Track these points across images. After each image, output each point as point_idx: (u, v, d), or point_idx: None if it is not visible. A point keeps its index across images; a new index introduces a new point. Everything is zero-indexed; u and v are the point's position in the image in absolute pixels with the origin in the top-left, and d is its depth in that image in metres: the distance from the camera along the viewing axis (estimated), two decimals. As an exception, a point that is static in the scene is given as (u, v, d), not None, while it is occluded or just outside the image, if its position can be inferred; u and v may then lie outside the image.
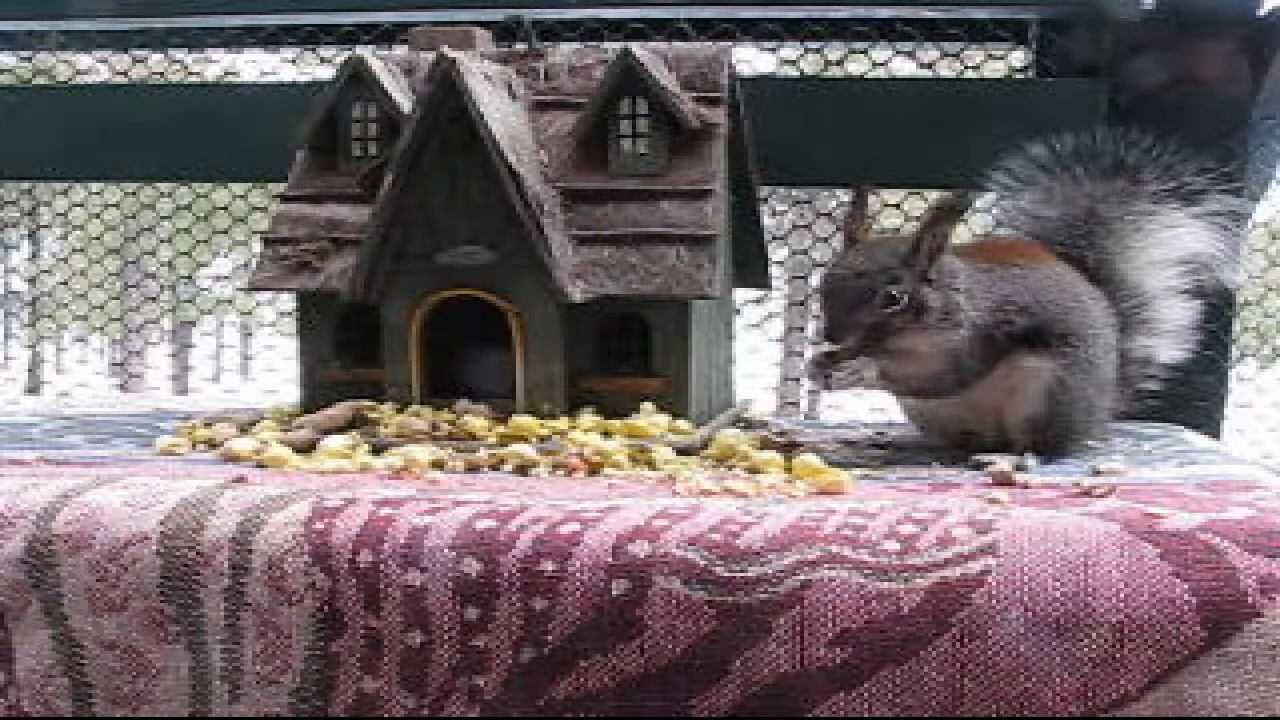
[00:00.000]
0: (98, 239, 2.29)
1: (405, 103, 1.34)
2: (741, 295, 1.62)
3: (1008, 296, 1.22)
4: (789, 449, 1.21)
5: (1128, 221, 1.37)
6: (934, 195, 1.95)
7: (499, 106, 1.27)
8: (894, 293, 1.16)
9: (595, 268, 1.26)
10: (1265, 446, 1.99)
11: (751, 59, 2.01)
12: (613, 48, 1.37)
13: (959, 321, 1.19)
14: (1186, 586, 0.79)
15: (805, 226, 2.07)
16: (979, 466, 1.15)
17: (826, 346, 1.19)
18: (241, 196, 2.17)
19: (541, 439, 1.20)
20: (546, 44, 1.43)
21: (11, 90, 2.09)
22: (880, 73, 1.94)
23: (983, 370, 1.21)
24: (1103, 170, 1.39)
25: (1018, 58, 1.92)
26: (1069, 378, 1.22)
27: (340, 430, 1.22)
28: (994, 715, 0.79)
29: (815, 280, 2.17)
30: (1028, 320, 1.22)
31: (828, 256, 2.08)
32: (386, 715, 0.84)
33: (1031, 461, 1.18)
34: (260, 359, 2.58)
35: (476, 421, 1.22)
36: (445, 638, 0.83)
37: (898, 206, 2.01)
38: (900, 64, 1.94)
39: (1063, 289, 1.26)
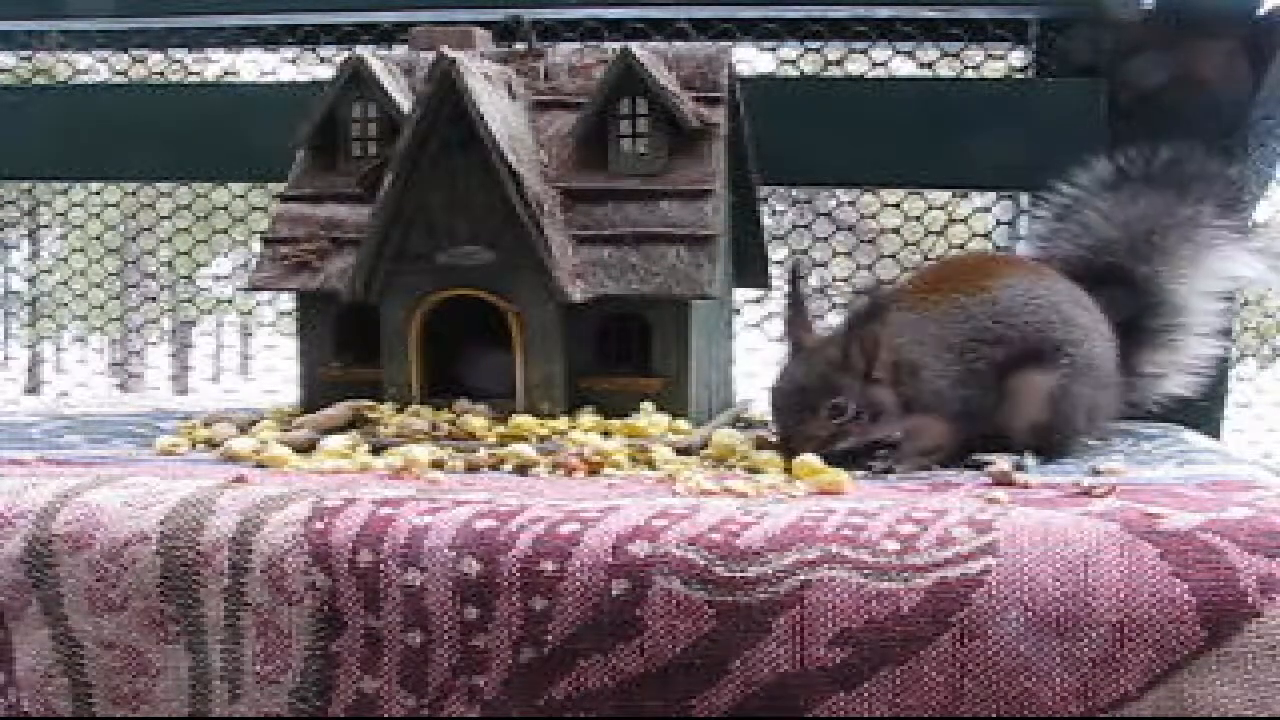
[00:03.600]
0: (97, 239, 2.29)
1: (405, 103, 1.34)
2: (741, 295, 1.62)
3: (976, 333, 1.22)
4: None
5: (1187, 247, 1.37)
6: (933, 195, 1.97)
7: (499, 106, 1.27)
8: (837, 404, 1.16)
9: (595, 268, 1.26)
10: (1265, 446, 1.99)
11: (751, 59, 2.01)
12: (613, 48, 1.37)
13: (927, 404, 1.19)
14: (1186, 586, 0.79)
15: (805, 226, 2.07)
16: (978, 466, 1.15)
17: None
18: (241, 196, 2.17)
19: (541, 439, 1.20)
20: (546, 44, 1.43)
21: (11, 90, 2.09)
22: (880, 73, 1.94)
23: (988, 394, 1.22)
24: (1170, 191, 1.40)
25: (1018, 58, 1.92)
26: (1071, 384, 1.23)
27: (340, 430, 1.22)
28: (994, 715, 0.79)
29: (815, 280, 2.18)
30: (1008, 349, 1.22)
31: (828, 256, 2.08)
32: (386, 715, 0.84)
33: (1031, 461, 1.19)
34: (260, 359, 2.58)
35: (476, 421, 1.22)
36: (445, 637, 0.83)
37: (897, 206, 2.01)
38: (900, 64, 1.94)
39: (1039, 304, 1.25)
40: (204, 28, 2.00)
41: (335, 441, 1.17)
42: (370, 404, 1.26)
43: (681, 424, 1.24)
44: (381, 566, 0.84)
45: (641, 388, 1.27)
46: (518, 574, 0.83)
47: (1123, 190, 1.43)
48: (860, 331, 1.17)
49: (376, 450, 1.16)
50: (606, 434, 1.20)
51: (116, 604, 0.87)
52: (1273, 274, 1.40)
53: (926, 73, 1.93)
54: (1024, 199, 1.83)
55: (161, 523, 0.88)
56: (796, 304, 1.23)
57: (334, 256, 1.34)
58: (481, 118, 1.22)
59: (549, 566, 0.82)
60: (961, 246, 1.99)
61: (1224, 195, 1.39)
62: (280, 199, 1.40)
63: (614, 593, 0.81)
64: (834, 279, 2.08)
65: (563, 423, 1.22)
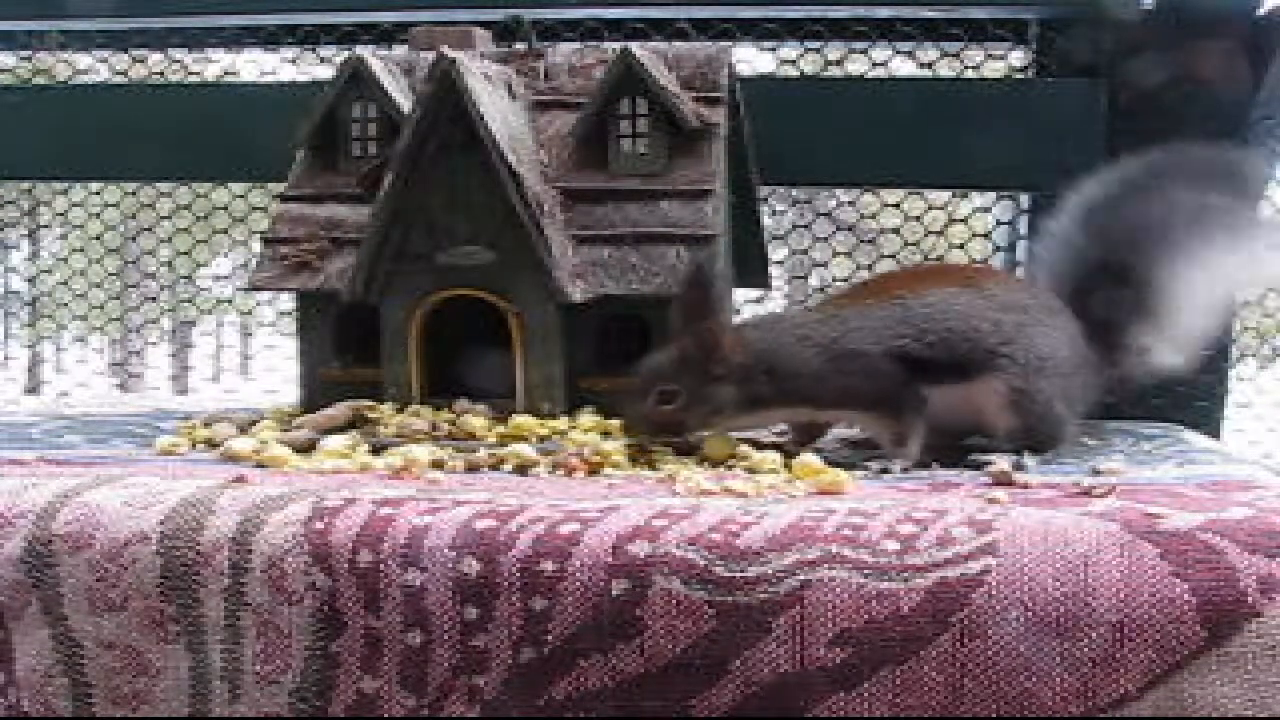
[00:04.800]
0: (97, 239, 2.28)
1: (405, 103, 1.34)
2: (741, 295, 1.62)
3: (889, 338, 1.22)
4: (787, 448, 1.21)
5: (1192, 234, 1.35)
6: (933, 195, 1.97)
7: (499, 106, 1.27)
8: (665, 390, 1.17)
9: (595, 268, 1.26)
10: (1265, 446, 1.99)
11: (751, 59, 2.01)
12: (613, 48, 1.37)
13: (806, 395, 1.20)
14: (1186, 586, 0.79)
15: (805, 226, 2.07)
16: (978, 466, 1.15)
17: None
18: (241, 196, 2.17)
19: (541, 439, 1.20)
20: (546, 44, 1.43)
21: (11, 90, 2.08)
22: (880, 73, 1.94)
23: (906, 392, 1.21)
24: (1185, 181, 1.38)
25: (1018, 58, 1.91)
26: (1026, 384, 1.22)
27: (340, 430, 1.22)
28: (994, 715, 0.79)
29: (815, 280, 2.18)
30: (927, 353, 1.22)
31: (828, 257, 2.08)
32: (386, 715, 0.84)
33: (1030, 461, 1.19)
34: (260, 359, 2.57)
35: (476, 421, 1.22)
36: (445, 637, 0.83)
37: (897, 206, 2.01)
38: (900, 64, 1.94)
39: (958, 314, 1.23)
40: (204, 28, 2.00)
41: (335, 441, 1.17)
42: (370, 404, 1.26)
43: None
44: (381, 566, 0.84)
45: (641, 388, 1.27)
46: (518, 574, 0.83)
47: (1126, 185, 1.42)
48: (697, 328, 1.18)
49: (376, 450, 1.16)
50: (606, 434, 1.20)
51: (116, 604, 0.87)
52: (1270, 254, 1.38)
53: (926, 73, 1.93)
54: (1024, 199, 1.83)
55: (161, 523, 0.88)
56: (696, 292, 1.20)
57: (334, 256, 1.34)
58: (481, 118, 1.22)
59: (549, 566, 0.82)
60: (961, 246, 1.99)
61: (1230, 184, 1.38)
62: (280, 199, 1.40)
63: (614, 593, 0.81)
64: (834, 279, 2.09)
65: (563, 423, 1.22)
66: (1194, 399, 1.64)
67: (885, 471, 1.16)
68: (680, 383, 1.17)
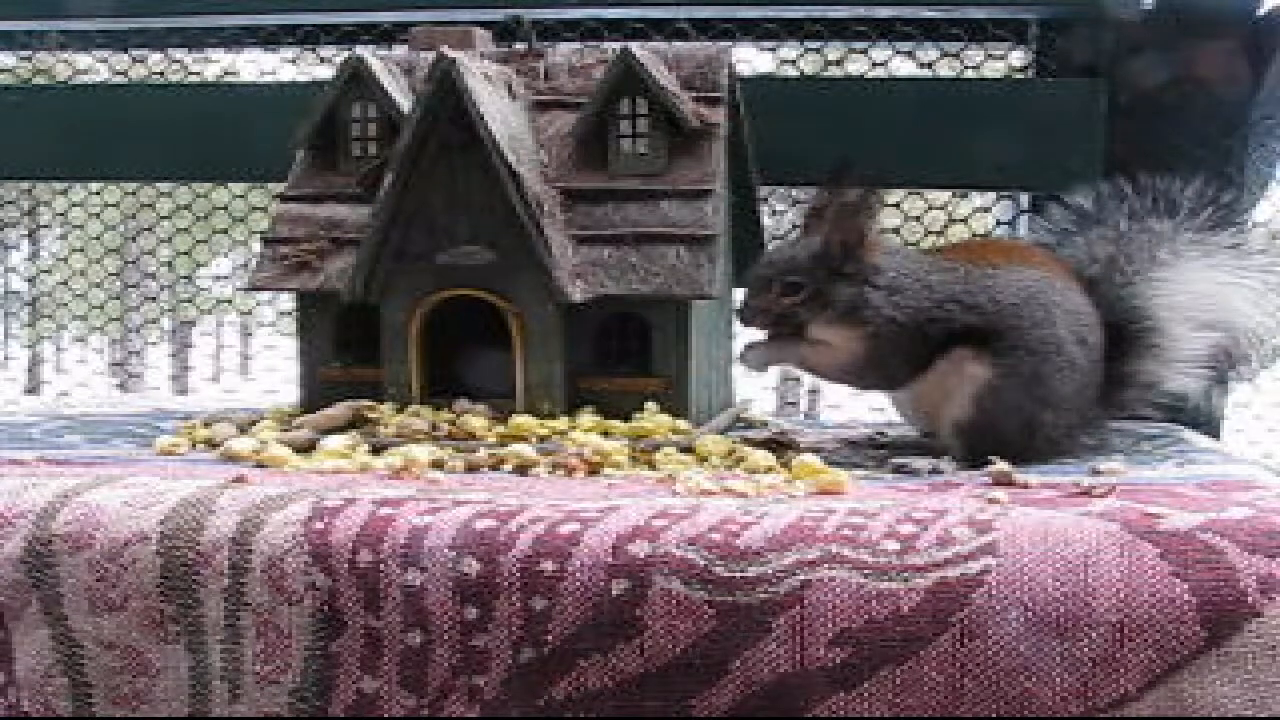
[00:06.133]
0: (97, 239, 2.28)
1: (405, 103, 1.34)
2: (741, 295, 1.62)
3: (954, 295, 1.21)
4: (787, 448, 1.21)
5: (1158, 259, 1.33)
6: (933, 195, 1.97)
7: (499, 106, 1.27)
8: (792, 281, 1.20)
9: (595, 268, 1.26)
10: (1265, 446, 1.99)
11: (751, 59, 2.01)
12: (613, 48, 1.37)
13: (866, 318, 1.20)
14: (1186, 586, 0.79)
15: (805, 226, 2.07)
16: (897, 470, 1.17)
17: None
18: (241, 196, 2.17)
19: (541, 439, 1.20)
20: (546, 44, 1.43)
21: (11, 90, 2.08)
22: (880, 73, 1.94)
23: (914, 368, 1.22)
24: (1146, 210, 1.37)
25: (1018, 58, 1.92)
26: (1004, 386, 1.19)
27: (340, 430, 1.22)
28: (994, 715, 0.79)
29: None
30: (972, 318, 1.20)
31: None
32: (386, 715, 0.84)
33: (947, 466, 1.18)
34: (260, 359, 2.58)
35: (476, 421, 1.22)
36: (445, 637, 0.83)
37: (897, 206, 2.01)
38: (900, 64, 1.94)
39: (1030, 296, 1.21)
40: (204, 28, 2.00)
41: (335, 441, 1.17)
42: (370, 404, 1.26)
43: (682, 424, 1.24)
44: (381, 566, 0.84)
45: (641, 388, 1.27)
46: (518, 574, 0.83)
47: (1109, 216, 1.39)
48: (841, 226, 1.19)
49: (376, 450, 1.16)
50: (607, 434, 1.20)
51: (116, 604, 0.87)
52: (1262, 283, 1.36)
53: (926, 73, 1.93)
54: (1024, 199, 1.83)
55: (161, 523, 0.88)
56: (853, 188, 1.21)
57: (334, 256, 1.34)
58: (481, 118, 1.22)
59: (549, 566, 0.82)
60: (961, 247, 1.99)
61: (1213, 215, 1.36)
62: (280, 199, 1.40)
63: (614, 593, 0.81)
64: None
65: (563, 423, 1.22)
66: (1193, 399, 1.64)
67: (936, 472, 1.15)
68: (809, 276, 1.20)
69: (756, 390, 2.07)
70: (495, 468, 1.13)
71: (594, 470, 1.10)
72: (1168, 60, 1.65)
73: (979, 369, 1.20)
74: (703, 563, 0.82)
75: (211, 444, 1.24)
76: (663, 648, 0.81)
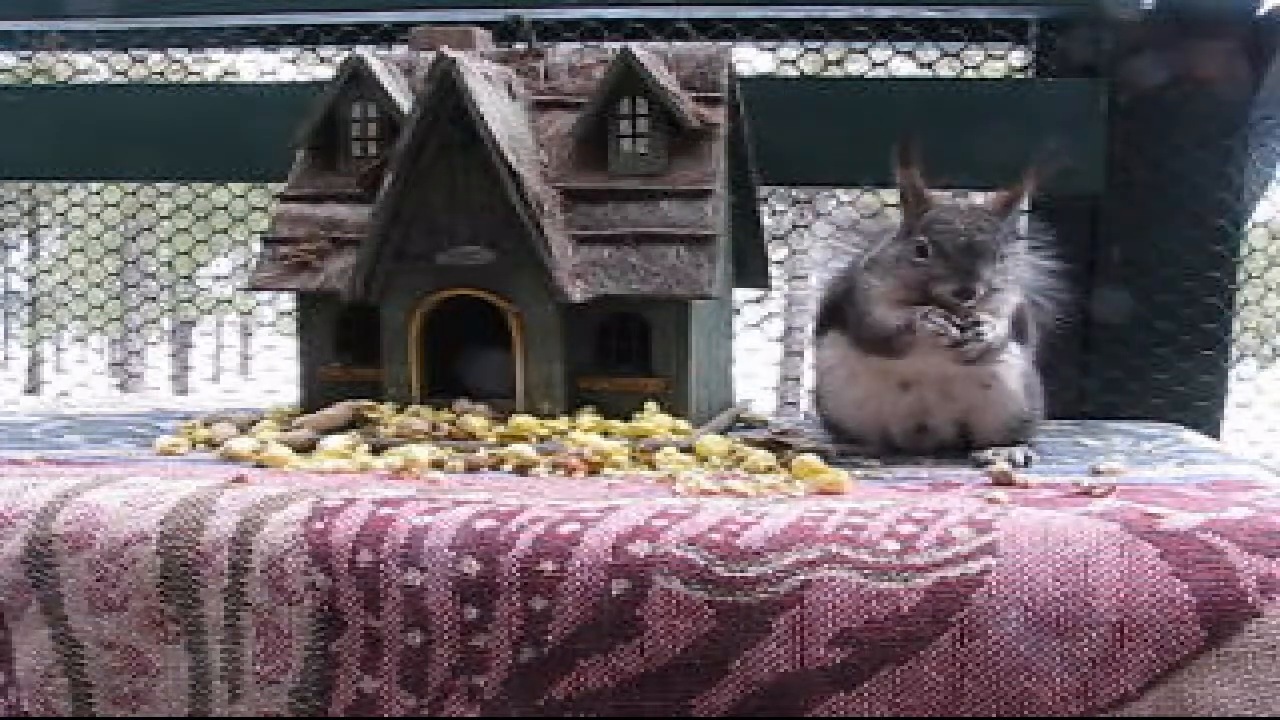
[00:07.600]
0: (97, 239, 2.28)
1: (405, 103, 1.34)
2: (741, 295, 1.62)
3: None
4: (786, 448, 1.21)
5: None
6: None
7: (499, 106, 1.27)
8: (1005, 253, 1.15)
9: (595, 268, 1.26)
10: (1265, 446, 1.99)
11: (751, 59, 2.01)
12: (613, 48, 1.37)
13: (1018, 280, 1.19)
14: (1186, 586, 0.79)
15: (805, 226, 2.07)
16: (979, 464, 1.14)
17: (939, 316, 1.14)
18: (241, 196, 2.16)
19: (541, 439, 1.20)
20: (546, 44, 1.43)
21: (11, 90, 2.08)
22: (880, 73, 1.94)
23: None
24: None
25: (1018, 58, 1.91)
26: (1030, 371, 1.21)
27: (340, 430, 1.22)
28: (994, 715, 0.79)
29: (815, 280, 2.17)
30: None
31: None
32: (386, 715, 0.84)
33: (1029, 455, 1.18)
34: (260, 359, 2.58)
35: (476, 421, 1.22)
36: (445, 637, 0.83)
37: (898, 206, 2.00)
38: (900, 64, 1.94)
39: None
40: (204, 28, 2.00)
41: (335, 441, 1.17)
42: (370, 404, 1.26)
43: (682, 424, 1.24)
44: (381, 566, 0.84)
45: (641, 388, 1.27)
46: (518, 574, 0.83)
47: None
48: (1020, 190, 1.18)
49: (376, 450, 1.16)
50: (607, 434, 1.20)
51: (116, 604, 0.87)
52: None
53: (926, 73, 1.93)
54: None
55: (161, 523, 0.88)
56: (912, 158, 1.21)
57: (334, 256, 1.34)
58: (481, 118, 1.22)
59: (549, 566, 0.82)
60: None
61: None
62: (280, 199, 1.40)
63: (614, 593, 0.81)
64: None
65: (563, 423, 1.22)
66: (1194, 399, 1.64)
67: (1017, 463, 1.13)
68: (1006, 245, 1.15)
69: (756, 390, 2.07)
70: (495, 468, 1.13)
71: (594, 470, 1.10)
72: (1168, 60, 1.65)
73: (1015, 357, 1.20)
74: (703, 563, 0.82)
75: (211, 444, 1.24)
76: (663, 648, 0.81)
